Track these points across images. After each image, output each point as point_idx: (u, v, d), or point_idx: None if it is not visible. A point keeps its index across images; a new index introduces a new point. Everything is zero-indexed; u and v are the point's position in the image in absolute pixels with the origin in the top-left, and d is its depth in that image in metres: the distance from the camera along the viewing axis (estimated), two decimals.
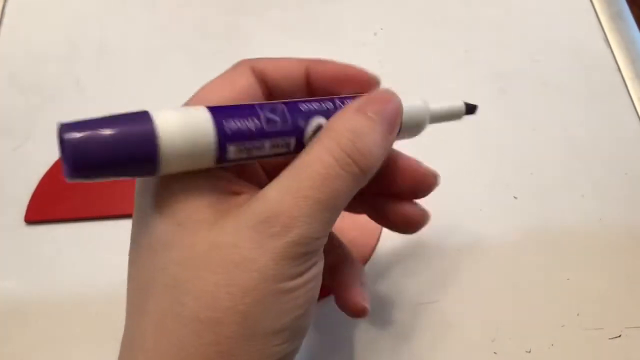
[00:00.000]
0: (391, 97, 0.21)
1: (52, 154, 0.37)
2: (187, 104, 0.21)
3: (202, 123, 0.17)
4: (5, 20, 0.44)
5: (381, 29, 0.44)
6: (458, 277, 0.33)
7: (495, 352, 0.31)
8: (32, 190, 0.35)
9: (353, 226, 0.35)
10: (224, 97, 0.20)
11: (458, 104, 0.24)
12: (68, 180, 0.15)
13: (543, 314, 0.32)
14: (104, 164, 0.15)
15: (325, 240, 0.19)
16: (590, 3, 0.46)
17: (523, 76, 0.42)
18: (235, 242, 0.17)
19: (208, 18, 0.44)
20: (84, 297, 0.32)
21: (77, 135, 0.15)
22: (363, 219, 0.35)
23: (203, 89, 0.21)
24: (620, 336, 0.32)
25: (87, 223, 0.35)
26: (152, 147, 0.16)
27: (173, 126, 0.17)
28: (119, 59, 0.42)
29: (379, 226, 0.35)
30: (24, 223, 0.35)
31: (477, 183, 0.37)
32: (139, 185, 0.19)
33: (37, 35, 0.43)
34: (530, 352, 0.31)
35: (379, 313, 0.32)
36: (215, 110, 0.18)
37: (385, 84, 0.41)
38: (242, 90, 0.21)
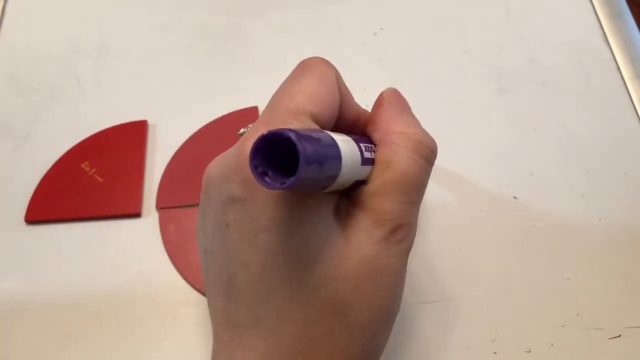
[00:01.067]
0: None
1: (52, 154, 0.37)
2: (291, 103, 0.21)
3: (355, 151, 0.20)
4: (5, 20, 0.44)
5: (381, 29, 0.44)
6: (458, 277, 0.33)
7: (495, 352, 0.31)
8: (32, 190, 0.35)
9: None
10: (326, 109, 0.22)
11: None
12: (284, 188, 0.16)
13: (543, 314, 0.32)
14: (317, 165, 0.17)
15: None
16: (590, 3, 0.46)
17: (523, 76, 0.42)
18: (376, 254, 0.20)
19: (208, 18, 0.44)
20: (84, 297, 0.32)
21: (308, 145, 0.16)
22: None
23: (297, 93, 0.21)
24: (620, 336, 0.32)
25: (87, 223, 0.35)
26: (339, 163, 0.18)
27: (345, 151, 0.19)
28: (119, 59, 0.42)
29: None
30: (24, 223, 0.35)
31: (477, 183, 0.37)
32: (276, 199, 0.20)
33: (37, 35, 0.43)
34: (530, 352, 0.31)
35: None
36: (357, 142, 0.21)
37: (385, 84, 0.41)
38: (332, 103, 0.22)
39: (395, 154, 0.21)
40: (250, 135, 0.20)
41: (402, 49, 0.43)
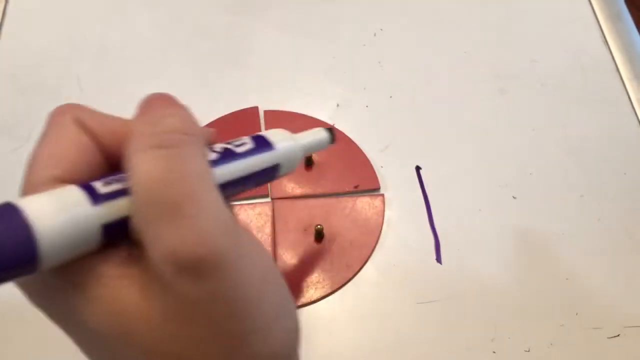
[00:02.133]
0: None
1: None
2: (27, 181, 0.18)
3: (80, 205, 0.15)
4: (6, 21, 0.44)
5: (381, 29, 0.44)
6: (458, 277, 0.33)
7: (494, 352, 0.31)
8: None
9: (353, 226, 0.35)
10: (61, 165, 0.17)
11: (321, 135, 0.25)
12: None
13: (542, 314, 0.32)
14: None
15: None
16: (589, 4, 0.46)
17: (523, 77, 0.42)
18: (175, 300, 0.16)
19: (208, 18, 0.44)
20: None
21: None
22: (363, 219, 0.35)
23: (35, 161, 0.18)
24: (619, 335, 0.32)
25: None
26: (31, 246, 0.14)
27: (48, 216, 0.15)
28: (119, 59, 0.42)
29: (379, 226, 0.35)
30: None
31: (476, 183, 0.37)
32: (38, 289, 0.17)
33: (38, 36, 0.43)
34: (529, 351, 0.31)
35: (379, 313, 0.32)
36: (86, 188, 0.16)
37: (385, 84, 0.41)
38: (78, 152, 0.18)
39: (129, 167, 0.16)
40: None
41: (402, 49, 0.43)
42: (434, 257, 0.34)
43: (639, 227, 0.36)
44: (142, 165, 0.15)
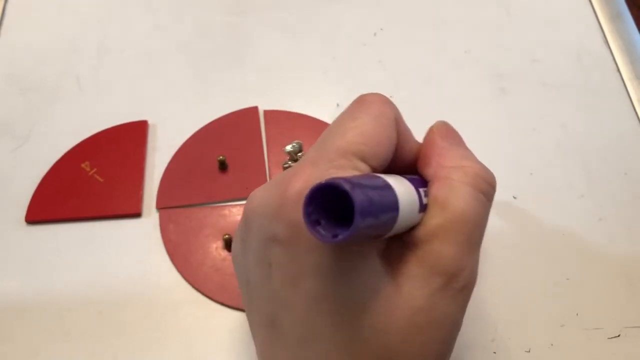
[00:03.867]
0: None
1: (52, 154, 0.37)
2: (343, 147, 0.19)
3: (414, 198, 0.19)
4: (5, 20, 0.44)
5: (381, 29, 0.44)
6: None
7: (494, 352, 0.31)
8: (32, 191, 0.35)
9: None
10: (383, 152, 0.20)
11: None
12: (338, 241, 0.15)
13: (543, 314, 0.32)
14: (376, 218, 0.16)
15: None
16: (589, 4, 0.46)
17: (523, 76, 0.42)
18: (431, 305, 0.19)
19: (208, 18, 0.44)
20: (84, 297, 0.32)
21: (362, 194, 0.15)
22: None
23: (351, 130, 0.20)
24: (619, 336, 0.32)
25: (87, 223, 0.35)
26: (396, 214, 0.17)
27: (402, 199, 0.18)
28: (119, 59, 0.42)
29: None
30: (24, 223, 0.35)
31: None
32: (320, 244, 0.19)
33: (37, 35, 0.43)
34: (529, 351, 0.31)
35: None
36: (413, 183, 0.19)
37: (385, 84, 0.41)
38: (387, 145, 0.20)
39: (452, 191, 0.19)
40: (296, 173, 0.19)
41: (402, 49, 0.43)
42: None
43: (639, 227, 0.35)
44: (469, 199, 0.19)
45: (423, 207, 0.19)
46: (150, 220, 0.35)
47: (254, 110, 0.39)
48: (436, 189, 0.20)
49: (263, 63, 0.42)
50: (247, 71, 0.41)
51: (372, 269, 0.18)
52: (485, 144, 0.39)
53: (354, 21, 0.44)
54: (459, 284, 0.19)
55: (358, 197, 0.14)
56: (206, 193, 0.36)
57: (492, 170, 0.34)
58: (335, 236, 0.15)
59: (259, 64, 0.42)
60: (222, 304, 0.32)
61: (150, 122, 0.39)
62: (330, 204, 0.16)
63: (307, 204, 0.15)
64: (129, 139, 0.38)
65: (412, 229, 0.19)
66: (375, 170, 0.19)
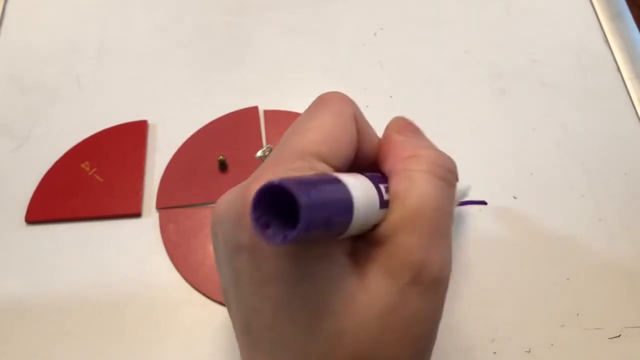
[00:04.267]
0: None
1: (52, 154, 0.37)
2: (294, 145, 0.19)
3: (373, 195, 0.18)
4: (5, 20, 0.44)
5: (381, 29, 0.44)
6: (458, 277, 0.33)
7: (495, 352, 0.31)
8: (32, 191, 0.35)
9: None
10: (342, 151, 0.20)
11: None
12: (286, 243, 0.15)
13: (543, 314, 0.32)
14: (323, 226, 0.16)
15: None
16: (590, 3, 0.46)
17: (523, 76, 0.42)
18: (402, 301, 0.18)
19: (208, 18, 0.44)
20: (84, 297, 0.32)
21: (308, 199, 0.15)
22: None
23: (310, 131, 0.19)
24: (619, 336, 0.32)
25: (87, 223, 0.35)
26: (350, 212, 0.16)
27: (359, 196, 0.17)
28: (119, 59, 0.42)
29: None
30: (24, 223, 0.35)
31: (477, 183, 0.37)
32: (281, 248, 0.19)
33: (37, 35, 0.43)
34: (530, 352, 0.31)
35: None
36: (373, 180, 0.19)
37: (385, 84, 0.41)
38: (347, 143, 0.20)
39: (409, 182, 0.19)
40: (257, 177, 0.18)
41: (402, 49, 0.43)
42: None
43: (639, 227, 0.35)
44: (428, 187, 0.19)
45: (385, 204, 0.19)
46: (150, 220, 0.35)
47: (254, 110, 0.39)
48: (395, 183, 0.19)
49: (263, 63, 0.42)
50: (247, 71, 0.41)
51: (337, 271, 0.18)
52: (485, 144, 0.39)
53: (354, 21, 0.44)
54: (429, 276, 0.18)
55: (301, 195, 0.14)
56: (206, 193, 0.36)
57: (492, 170, 0.34)
58: (284, 237, 0.15)
59: (259, 64, 0.42)
60: (222, 304, 0.32)
61: (150, 122, 0.39)
62: (282, 208, 0.15)
63: (254, 208, 0.15)
64: (129, 139, 0.38)
65: (375, 226, 0.19)
66: (337, 169, 0.19)
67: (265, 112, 0.39)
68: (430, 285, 0.18)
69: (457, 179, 0.21)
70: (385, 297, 0.18)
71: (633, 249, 0.35)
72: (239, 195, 0.19)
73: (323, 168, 0.18)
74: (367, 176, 0.19)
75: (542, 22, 0.45)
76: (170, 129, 0.38)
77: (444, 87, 0.41)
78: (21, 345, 0.31)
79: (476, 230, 0.35)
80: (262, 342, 0.19)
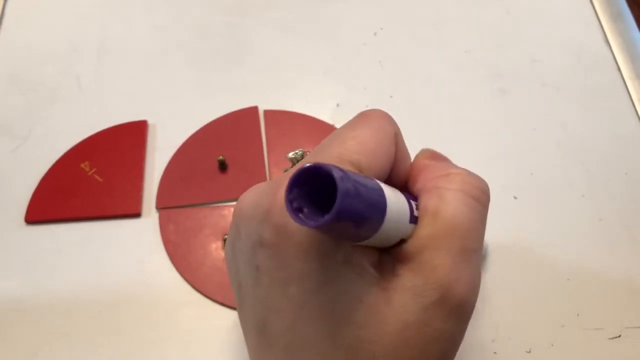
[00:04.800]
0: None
1: (52, 154, 0.37)
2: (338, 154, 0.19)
3: (403, 205, 0.18)
4: (5, 20, 0.44)
5: (381, 29, 0.44)
6: None
7: (495, 352, 0.31)
8: (32, 190, 0.35)
9: None
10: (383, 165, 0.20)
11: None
12: (319, 226, 0.14)
13: (543, 314, 0.32)
14: (358, 217, 0.15)
15: None
16: (590, 3, 0.46)
17: (523, 76, 0.42)
18: (425, 320, 0.18)
19: (208, 18, 0.44)
20: (84, 297, 0.32)
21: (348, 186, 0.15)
22: None
23: (351, 139, 0.19)
24: (620, 336, 0.32)
25: (87, 223, 0.35)
26: (383, 211, 0.16)
27: (391, 200, 0.17)
28: (119, 59, 0.42)
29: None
30: (24, 223, 0.35)
31: None
32: (307, 250, 0.18)
33: (37, 35, 0.43)
34: (530, 352, 0.31)
35: None
36: (405, 195, 0.19)
37: (385, 84, 0.41)
38: (383, 159, 0.20)
39: (442, 199, 0.19)
40: (289, 175, 0.19)
41: (402, 49, 0.43)
42: None
43: (639, 227, 0.35)
44: (459, 205, 0.18)
45: (414, 219, 0.19)
46: (150, 220, 0.35)
47: (254, 110, 0.39)
48: (425, 199, 0.19)
49: (263, 63, 0.42)
50: (247, 71, 0.41)
51: (362, 280, 0.18)
52: (485, 144, 0.39)
53: (354, 21, 0.44)
54: (455, 298, 0.18)
55: (341, 181, 0.14)
56: (206, 193, 0.36)
57: (492, 170, 0.34)
58: (316, 221, 0.14)
59: (259, 64, 0.42)
60: (222, 304, 0.32)
61: (150, 122, 0.39)
62: (319, 196, 0.15)
63: (289, 189, 0.15)
64: (128, 139, 0.38)
65: (403, 241, 0.19)
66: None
67: (265, 112, 0.39)
68: (456, 308, 0.18)
69: (489, 201, 0.20)
70: (408, 315, 0.17)
71: (633, 249, 0.35)
72: (267, 192, 0.19)
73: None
74: (400, 191, 0.19)
75: (542, 22, 0.45)
76: (170, 129, 0.38)
77: (444, 87, 0.41)
78: (21, 345, 0.31)
79: None
80: (277, 343, 0.19)
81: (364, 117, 0.20)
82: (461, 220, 0.18)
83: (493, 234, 0.35)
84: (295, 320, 0.18)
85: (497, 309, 0.32)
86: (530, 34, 0.44)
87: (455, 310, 0.18)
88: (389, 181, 0.21)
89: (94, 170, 0.36)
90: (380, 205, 0.16)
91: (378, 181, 0.17)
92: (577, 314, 0.32)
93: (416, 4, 0.45)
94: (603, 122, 0.40)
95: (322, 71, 0.42)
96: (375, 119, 0.20)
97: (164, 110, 0.39)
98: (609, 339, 0.32)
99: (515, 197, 0.36)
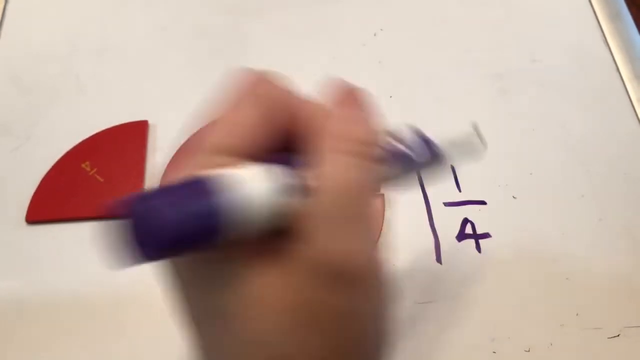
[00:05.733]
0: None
1: (52, 154, 0.37)
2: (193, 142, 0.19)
3: (266, 192, 0.16)
4: (6, 20, 0.44)
5: (381, 29, 0.44)
6: (458, 277, 0.33)
7: (494, 352, 0.31)
8: (33, 190, 0.35)
9: None
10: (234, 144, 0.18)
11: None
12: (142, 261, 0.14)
13: (542, 314, 0.32)
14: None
15: None
16: (589, 4, 0.46)
17: (523, 76, 0.42)
18: (320, 297, 0.16)
19: (208, 18, 0.44)
20: (84, 297, 0.32)
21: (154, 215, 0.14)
22: None
23: (220, 125, 0.18)
24: (619, 336, 0.32)
25: (87, 223, 0.35)
26: (214, 219, 0.15)
27: (236, 197, 0.16)
28: (119, 59, 0.42)
29: (378, 226, 0.35)
30: (25, 223, 0.35)
31: (477, 183, 0.37)
32: (178, 260, 0.18)
33: (38, 36, 0.43)
34: (529, 351, 0.31)
35: None
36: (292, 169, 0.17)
37: (385, 84, 0.41)
38: (259, 131, 0.18)
39: (321, 164, 0.16)
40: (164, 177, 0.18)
41: (402, 49, 0.43)
42: (434, 257, 0.34)
43: (639, 227, 0.36)
44: (336, 169, 0.16)
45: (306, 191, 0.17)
46: None
47: None
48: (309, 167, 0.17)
49: (263, 63, 0.42)
50: None
51: (238, 272, 0.16)
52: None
53: (354, 21, 0.44)
54: (349, 270, 0.16)
55: (142, 218, 0.14)
56: None
57: (492, 170, 0.34)
58: (140, 258, 0.14)
59: (258, 64, 0.42)
60: None
61: (150, 122, 0.39)
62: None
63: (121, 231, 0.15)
64: (129, 139, 0.38)
65: (292, 219, 0.17)
66: (249, 159, 0.17)
67: None
68: (352, 281, 0.16)
69: (374, 145, 0.18)
70: (295, 294, 0.16)
71: (633, 249, 0.35)
72: None
73: (223, 162, 0.17)
74: (286, 165, 0.17)
75: (542, 22, 0.45)
76: (170, 129, 0.38)
77: (444, 87, 0.41)
78: (21, 345, 0.31)
79: (476, 230, 0.35)
80: (195, 348, 0.19)
81: (235, 91, 0.19)
82: (340, 185, 0.16)
83: (493, 234, 0.35)
84: (195, 329, 0.18)
85: (497, 308, 0.32)
86: (530, 34, 0.44)
87: (352, 283, 0.16)
88: (295, 141, 0.19)
89: (95, 170, 0.36)
90: (208, 211, 0.15)
91: (220, 178, 0.16)
92: (577, 314, 0.32)
93: (416, 4, 0.45)
94: (602, 122, 0.40)
95: (323, 71, 0.42)
96: (241, 93, 0.19)
97: (164, 110, 0.39)
98: (608, 338, 0.32)
99: (515, 197, 0.36)
